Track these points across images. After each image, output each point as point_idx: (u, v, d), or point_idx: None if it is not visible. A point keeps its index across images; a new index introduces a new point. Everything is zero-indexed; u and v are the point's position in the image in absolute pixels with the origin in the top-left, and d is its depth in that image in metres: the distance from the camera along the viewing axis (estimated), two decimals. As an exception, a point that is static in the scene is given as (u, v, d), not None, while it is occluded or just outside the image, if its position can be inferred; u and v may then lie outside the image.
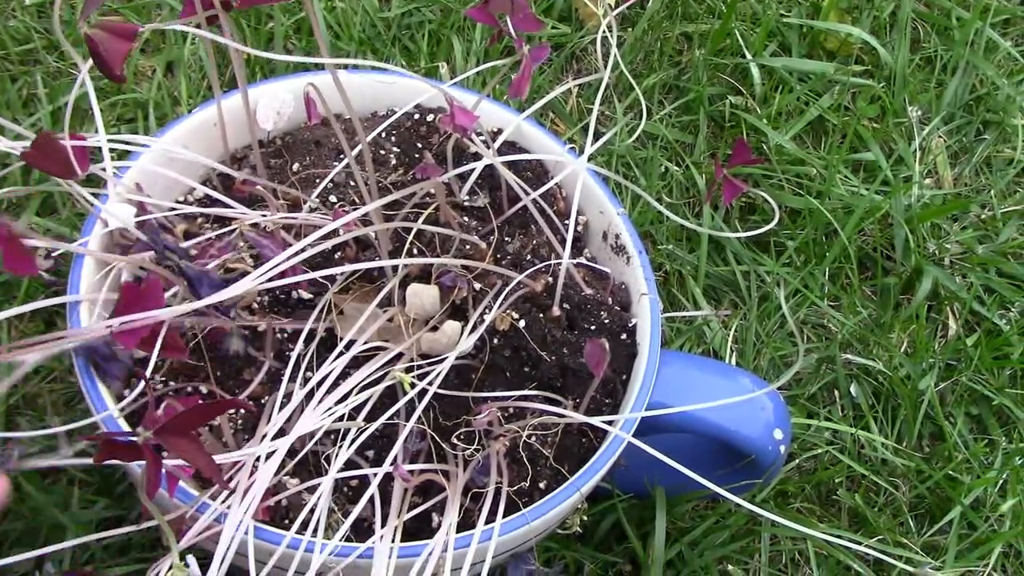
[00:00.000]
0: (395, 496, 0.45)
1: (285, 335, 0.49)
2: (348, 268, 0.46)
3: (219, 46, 0.73)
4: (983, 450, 0.66)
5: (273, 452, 0.42)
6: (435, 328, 0.49)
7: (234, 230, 0.48)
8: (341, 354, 0.46)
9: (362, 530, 0.45)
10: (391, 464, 0.45)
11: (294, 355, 0.47)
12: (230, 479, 0.42)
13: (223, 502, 0.41)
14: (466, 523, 0.45)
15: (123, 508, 0.56)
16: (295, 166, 0.54)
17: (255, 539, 0.41)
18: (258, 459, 0.42)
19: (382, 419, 0.45)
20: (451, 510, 0.44)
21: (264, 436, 0.43)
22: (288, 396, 0.46)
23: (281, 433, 0.44)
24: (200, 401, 0.47)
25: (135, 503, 0.57)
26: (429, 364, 0.47)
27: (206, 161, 0.53)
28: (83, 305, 0.47)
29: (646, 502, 0.59)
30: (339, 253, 0.51)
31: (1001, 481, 0.65)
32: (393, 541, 0.43)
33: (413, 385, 0.45)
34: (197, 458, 0.35)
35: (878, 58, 0.86)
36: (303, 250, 0.41)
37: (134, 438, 0.34)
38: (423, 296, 0.49)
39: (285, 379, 0.46)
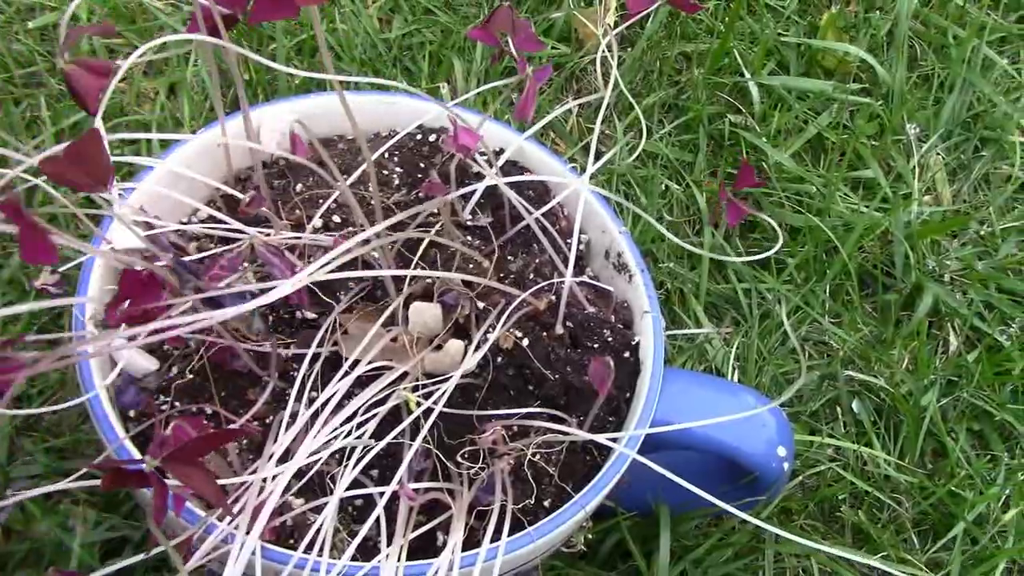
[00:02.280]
0: (400, 515, 0.45)
1: (289, 355, 0.49)
2: (364, 274, 0.46)
3: (222, 68, 0.73)
4: (985, 466, 0.67)
5: (278, 475, 0.42)
6: (439, 347, 0.49)
7: (239, 246, 0.48)
8: (346, 374, 0.46)
9: (366, 550, 0.45)
10: (397, 483, 0.45)
11: (299, 376, 0.47)
12: (235, 500, 0.42)
13: (230, 523, 0.41)
14: (471, 542, 0.45)
15: (129, 528, 0.56)
16: (298, 187, 0.55)
17: (262, 559, 0.41)
18: (264, 480, 0.42)
19: (388, 438, 0.45)
20: (456, 528, 0.44)
21: (271, 456, 0.43)
22: (294, 416, 0.46)
23: (287, 453, 0.44)
24: (205, 421, 0.47)
25: (140, 523, 0.57)
26: (433, 383, 0.47)
27: (210, 182, 0.53)
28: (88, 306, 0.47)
29: (649, 520, 0.59)
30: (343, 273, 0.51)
31: (1004, 497, 0.65)
32: (399, 560, 0.43)
33: (419, 404, 0.45)
34: (204, 487, 0.34)
35: (876, 76, 0.86)
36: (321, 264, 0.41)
37: (141, 466, 0.34)
38: (425, 314, 0.49)
39: (291, 400, 0.46)
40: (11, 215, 0.32)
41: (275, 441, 0.45)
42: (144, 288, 0.35)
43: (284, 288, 0.38)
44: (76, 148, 0.32)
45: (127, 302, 0.37)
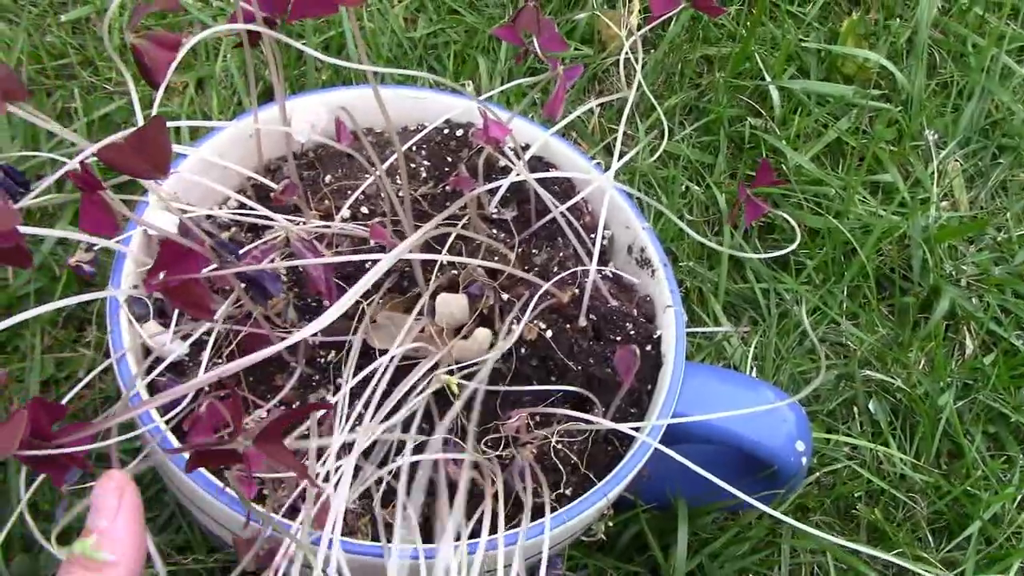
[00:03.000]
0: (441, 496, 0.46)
1: (317, 343, 0.50)
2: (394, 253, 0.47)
3: (253, 61, 0.74)
4: (1001, 467, 0.67)
5: (341, 468, 0.43)
6: (465, 337, 0.50)
7: (273, 237, 0.49)
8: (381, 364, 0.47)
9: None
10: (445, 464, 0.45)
11: (348, 365, 0.47)
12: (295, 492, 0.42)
13: (299, 521, 0.41)
14: (493, 527, 0.46)
15: (151, 513, 0.57)
16: (327, 178, 0.56)
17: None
18: (328, 474, 0.43)
19: (447, 420, 0.45)
20: (489, 510, 0.44)
21: (338, 447, 0.44)
22: (322, 402, 0.47)
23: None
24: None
25: (163, 508, 0.58)
26: (461, 368, 0.48)
27: (242, 170, 0.54)
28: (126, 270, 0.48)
29: (667, 514, 0.59)
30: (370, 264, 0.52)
31: (1019, 497, 0.66)
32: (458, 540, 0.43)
33: (460, 387, 0.46)
34: (291, 464, 0.35)
35: (895, 83, 0.87)
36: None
37: (233, 446, 0.34)
38: (452, 305, 0.50)
39: (344, 394, 0.47)
40: (84, 183, 0.32)
41: (320, 434, 0.45)
42: (183, 258, 0.35)
43: (341, 305, 0.38)
44: (140, 135, 0.32)
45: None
